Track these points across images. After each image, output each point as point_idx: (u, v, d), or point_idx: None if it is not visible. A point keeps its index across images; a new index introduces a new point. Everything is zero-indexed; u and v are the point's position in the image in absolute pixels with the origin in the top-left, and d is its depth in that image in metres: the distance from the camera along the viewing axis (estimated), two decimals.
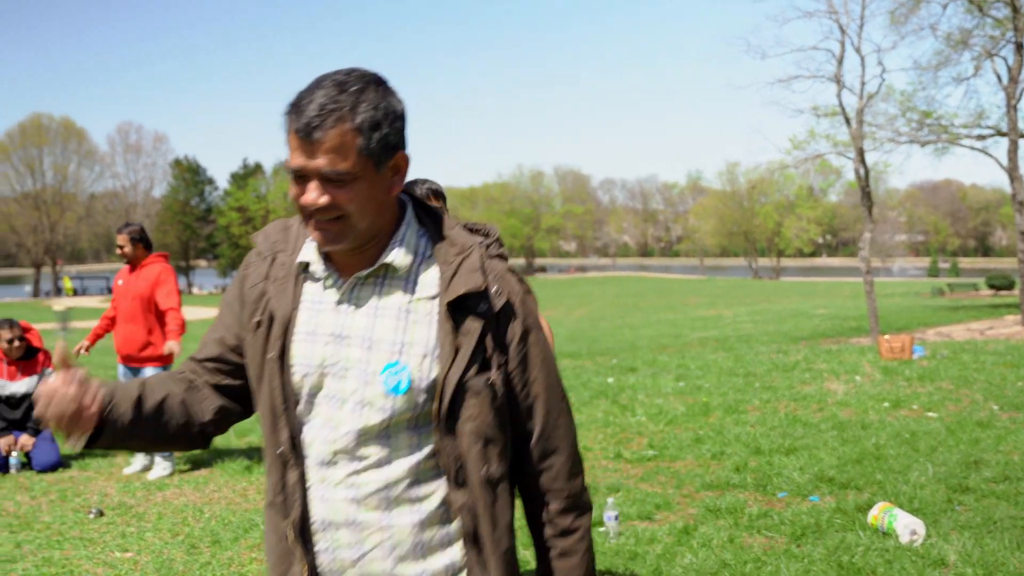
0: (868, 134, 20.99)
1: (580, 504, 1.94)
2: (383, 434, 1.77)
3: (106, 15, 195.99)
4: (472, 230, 1.93)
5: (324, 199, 1.68)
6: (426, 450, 1.79)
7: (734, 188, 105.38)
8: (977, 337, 18.77)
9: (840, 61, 19.87)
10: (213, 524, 6.08)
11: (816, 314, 30.18)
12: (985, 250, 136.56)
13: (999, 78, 21.62)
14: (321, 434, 1.79)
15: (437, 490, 1.80)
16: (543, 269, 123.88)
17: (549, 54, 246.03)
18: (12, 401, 8.13)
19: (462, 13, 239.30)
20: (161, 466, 7.65)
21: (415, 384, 1.75)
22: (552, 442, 1.89)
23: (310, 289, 1.85)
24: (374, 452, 1.77)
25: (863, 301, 22.77)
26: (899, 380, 10.92)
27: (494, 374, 1.79)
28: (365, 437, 1.77)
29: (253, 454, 8.22)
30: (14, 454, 7.85)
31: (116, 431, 1.82)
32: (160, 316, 7.67)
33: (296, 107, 1.68)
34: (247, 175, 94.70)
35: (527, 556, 4.10)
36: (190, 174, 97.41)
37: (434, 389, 1.76)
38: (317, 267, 1.84)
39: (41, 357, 8.29)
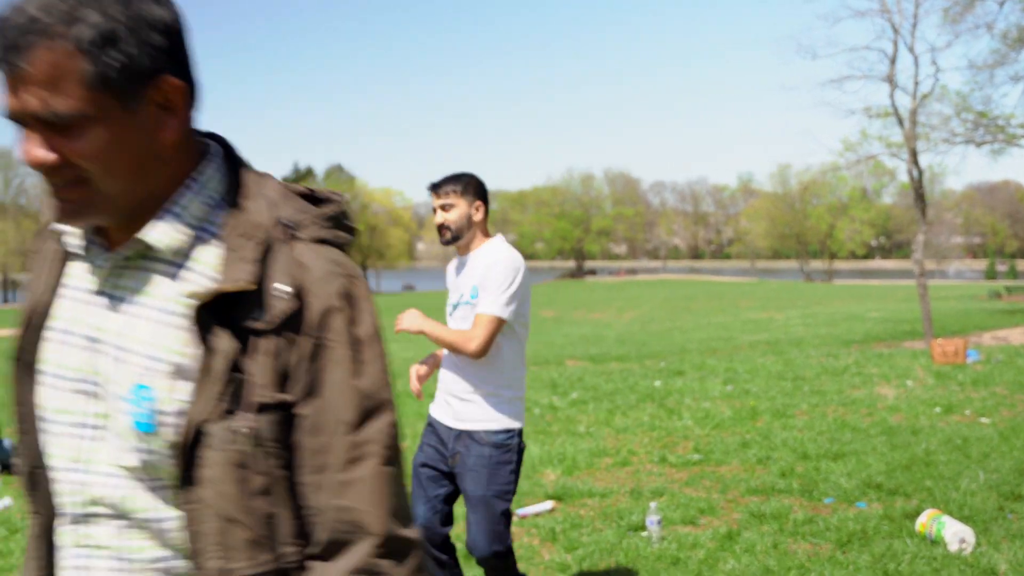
0: (922, 135, 20.67)
1: None
2: (151, 483, 1.25)
3: None
4: (306, 196, 1.35)
5: (48, 155, 1.16)
6: None
7: (785, 190, 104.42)
8: None
9: (893, 61, 19.59)
10: None
11: (869, 317, 29.77)
12: None
13: None
14: (71, 476, 1.28)
15: None
16: (593, 272, 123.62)
17: (600, 56, 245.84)
18: None
19: (512, 15, 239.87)
20: None
21: (160, 420, 1.22)
22: (338, 524, 1.24)
23: (76, 272, 1.34)
24: (143, 508, 1.25)
25: (917, 304, 22.42)
26: (952, 385, 10.74)
27: (249, 420, 1.21)
28: (129, 486, 1.25)
29: None
30: None
31: None
32: None
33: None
34: (298, 179, 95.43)
35: None
36: None
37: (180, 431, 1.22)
38: (73, 240, 1.31)
39: None
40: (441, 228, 3.92)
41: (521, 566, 4.31)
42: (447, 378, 3.96)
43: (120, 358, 1.24)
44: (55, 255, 1.36)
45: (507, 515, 3.83)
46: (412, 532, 1.28)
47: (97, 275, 1.29)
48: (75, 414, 1.28)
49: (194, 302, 1.20)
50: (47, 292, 1.33)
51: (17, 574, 5.26)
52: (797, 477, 6.79)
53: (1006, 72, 22.83)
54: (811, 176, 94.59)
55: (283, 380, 1.23)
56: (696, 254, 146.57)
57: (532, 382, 12.57)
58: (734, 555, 5.13)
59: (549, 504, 6.30)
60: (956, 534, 5.07)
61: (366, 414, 1.25)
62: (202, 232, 1.27)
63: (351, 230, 1.35)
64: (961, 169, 68.02)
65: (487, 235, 3.98)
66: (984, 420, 8.68)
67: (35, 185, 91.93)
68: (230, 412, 1.20)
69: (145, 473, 1.24)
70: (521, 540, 5.56)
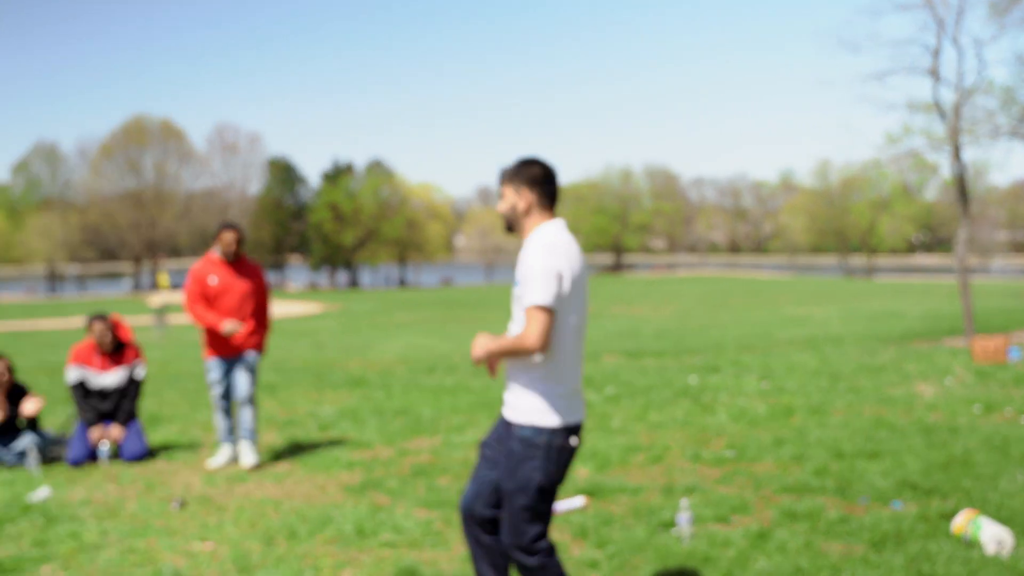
0: (965, 129, 20.34)
1: None
2: None
3: (198, 24, 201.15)
4: None
5: None
6: None
7: (826, 186, 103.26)
8: None
9: (936, 55, 19.29)
10: (291, 518, 6.17)
11: (909, 314, 29.40)
12: None
13: None
14: None
15: None
16: (631, 266, 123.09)
17: (640, 50, 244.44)
18: (104, 393, 8.38)
19: (551, 9, 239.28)
20: (251, 454, 7.84)
21: None
22: None
23: None
24: None
25: (958, 301, 22.09)
26: (992, 383, 10.58)
27: None
28: None
29: (333, 448, 8.33)
30: (104, 444, 8.09)
31: None
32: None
33: None
34: (338, 174, 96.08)
35: None
36: (283, 173, 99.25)
37: None
38: None
39: (130, 351, 8.53)
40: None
41: None
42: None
43: None
44: None
45: (529, 511, 3.79)
46: None
47: None
48: None
49: None
50: None
51: (55, 564, 5.34)
52: (832, 476, 6.72)
53: None
54: (852, 172, 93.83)
55: None
56: (735, 249, 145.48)
57: None
58: (765, 554, 5.09)
59: (581, 500, 6.28)
60: (993, 536, 4.99)
61: None
62: None
63: None
64: (1006, 164, 66.81)
65: (541, 221, 3.91)
66: None
67: (81, 180, 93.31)
68: None
69: None
70: (551, 536, 5.55)
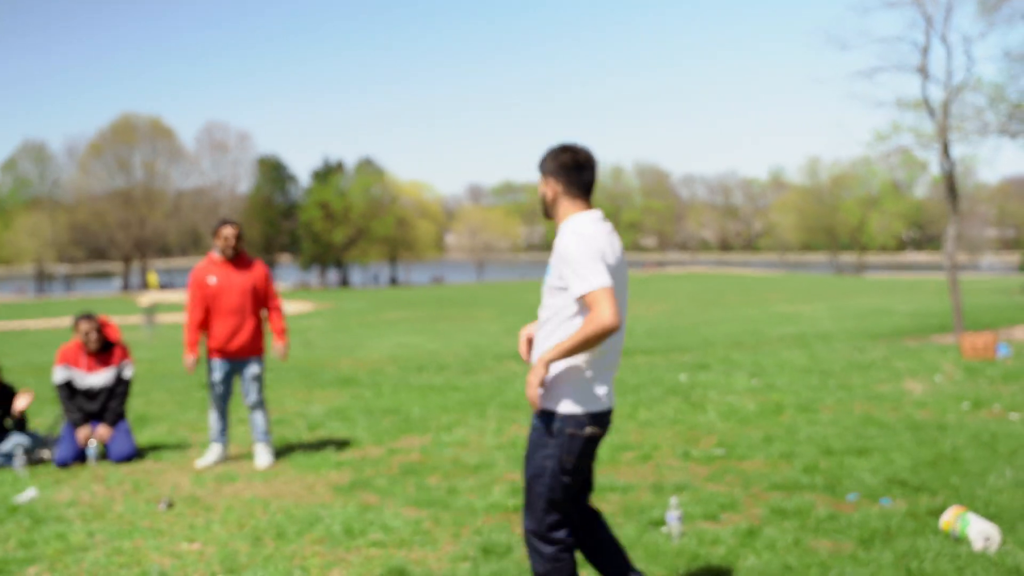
0: (954, 126, 20.37)
1: None
2: None
3: (187, 22, 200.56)
4: None
5: None
6: None
7: (816, 183, 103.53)
8: None
9: (925, 52, 19.32)
10: (279, 517, 6.15)
11: (898, 311, 29.48)
12: None
13: None
14: None
15: None
16: None
17: (627, 48, 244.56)
18: (91, 393, 8.35)
19: (540, 6, 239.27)
20: (266, 455, 7.85)
21: None
22: None
23: None
24: None
25: (947, 298, 22.15)
26: (981, 380, 10.61)
27: None
28: None
29: (322, 447, 8.31)
30: (92, 444, 8.05)
31: None
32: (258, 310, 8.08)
33: None
34: (328, 172, 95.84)
35: None
36: (273, 171, 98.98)
37: None
38: None
39: (118, 351, 8.49)
40: None
41: None
42: None
43: None
44: None
45: (544, 499, 3.76)
46: None
47: None
48: None
49: None
50: None
51: (41, 566, 5.31)
52: (821, 473, 6.73)
53: None
54: (842, 169, 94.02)
55: None
56: (726, 247, 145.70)
57: None
58: (755, 552, 5.08)
59: None
60: (981, 532, 5.00)
61: None
62: None
63: None
64: (994, 161, 67.01)
65: (573, 211, 3.86)
66: (1014, 416, 8.56)
67: (70, 179, 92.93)
68: None
69: None
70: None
